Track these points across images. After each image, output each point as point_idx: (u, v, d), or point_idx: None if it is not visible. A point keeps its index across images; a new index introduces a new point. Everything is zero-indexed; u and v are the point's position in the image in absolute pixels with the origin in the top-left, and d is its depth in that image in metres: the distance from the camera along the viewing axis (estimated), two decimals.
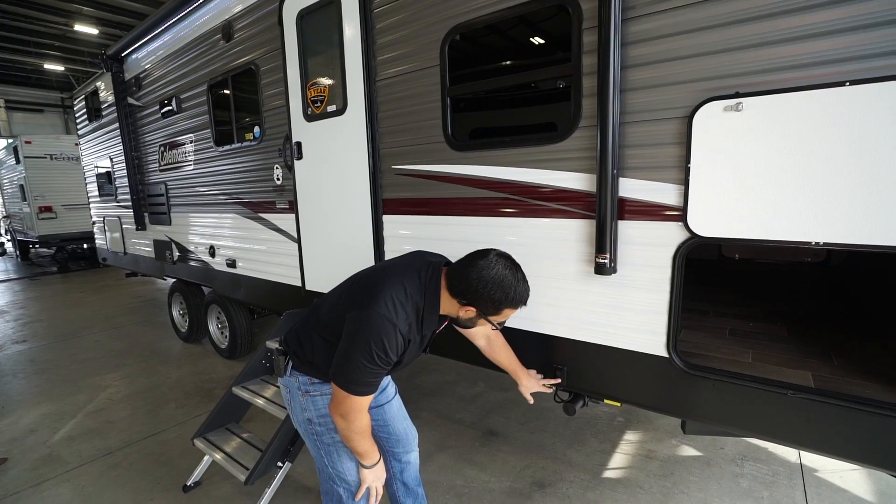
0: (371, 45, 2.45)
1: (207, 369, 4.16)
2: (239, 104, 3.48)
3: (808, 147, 1.36)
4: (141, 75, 4.55)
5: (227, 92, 3.53)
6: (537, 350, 2.07)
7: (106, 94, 5.29)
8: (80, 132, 6.35)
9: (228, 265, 3.80)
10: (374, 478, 1.56)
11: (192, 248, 4.29)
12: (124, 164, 4.99)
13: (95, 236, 6.52)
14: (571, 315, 1.94)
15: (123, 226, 5.57)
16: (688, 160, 1.56)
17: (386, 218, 2.56)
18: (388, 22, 2.37)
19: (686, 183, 1.57)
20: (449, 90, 2.18)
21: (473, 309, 1.44)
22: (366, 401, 1.41)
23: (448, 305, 1.49)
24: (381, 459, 1.57)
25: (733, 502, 2.23)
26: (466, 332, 1.83)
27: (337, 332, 1.43)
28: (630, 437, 2.83)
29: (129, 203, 5.09)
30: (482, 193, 2.13)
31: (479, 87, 2.21)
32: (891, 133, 1.23)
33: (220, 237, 3.88)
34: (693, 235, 1.59)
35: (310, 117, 2.82)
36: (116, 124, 5.09)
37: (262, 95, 3.18)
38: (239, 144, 3.48)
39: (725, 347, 1.93)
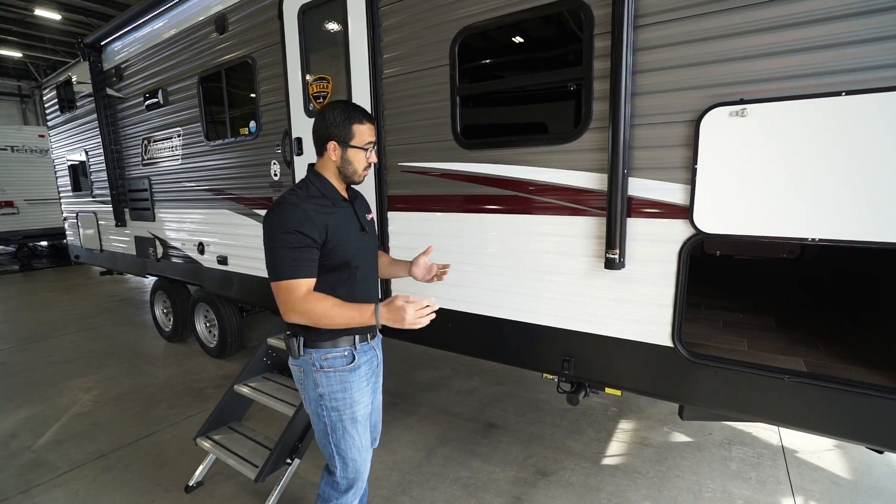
0: (377, 43, 2.47)
1: (196, 369, 4.07)
2: (233, 98, 3.42)
3: (806, 151, 1.47)
4: (122, 65, 4.39)
5: (219, 85, 3.46)
6: (545, 343, 2.15)
7: (81, 84, 5.07)
8: (50, 123, 6.05)
9: (219, 262, 3.73)
10: (396, 319, 1.36)
11: (178, 244, 4.18)
12: (102, 158, 4.81)
13: (67, 233, 6.25)
14: (580, 308, 2.02)
15: (100, 222, 5.37)
16: (695, 161, 1.65)
17: (391, 214, 2.59)
18: (396, 20, 2.39)
19: (693, 183, 1.67)
20: (459, 89, 2.22)
21: (333, 143, 1.50)
22: (303, 283, 1.40)
23: (330, 171, 1.55)
24: (377, 304, 1.40)
25: (724, 483, 2.37)
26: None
27: None
28: (624, 425, 2.96)
29: (108, 198, 4.91)
30: (491, 191, 2.19)
31: (488, 88, 2.27)
32: (882, 140, 1.36)
33: (210, 233, 3.80)
34: (698, 232, 1.69)
35: (311, 113, 2.80)
36: (93, 116, 4.90)
37: (259, 90, 3.14)
38: (233, 139, 3.42)
39: (721, 337, 2.05)
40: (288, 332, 1.61)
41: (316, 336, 1.54)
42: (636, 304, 1.88)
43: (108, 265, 5.59)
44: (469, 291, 2.34)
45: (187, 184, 3.92)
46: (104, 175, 4.86)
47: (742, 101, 1.55)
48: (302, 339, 1.57)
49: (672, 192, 1.73)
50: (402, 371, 3.87)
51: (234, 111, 3.43)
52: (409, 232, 2.53)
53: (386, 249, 2.62)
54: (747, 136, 1.56)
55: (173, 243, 4.24)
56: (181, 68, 3.73)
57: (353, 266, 1.56)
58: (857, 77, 1.38)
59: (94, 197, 5.36)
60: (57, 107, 5.77)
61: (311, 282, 1.44)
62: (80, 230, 5.82)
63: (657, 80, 1.70)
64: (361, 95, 2.54)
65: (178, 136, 3.92)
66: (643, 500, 2.28)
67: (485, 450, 2.75)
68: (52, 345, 4.85)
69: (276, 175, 3.15)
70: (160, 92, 3.95)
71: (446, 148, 2.30)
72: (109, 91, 4.61)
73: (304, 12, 2.74)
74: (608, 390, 2.29)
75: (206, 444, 2.42)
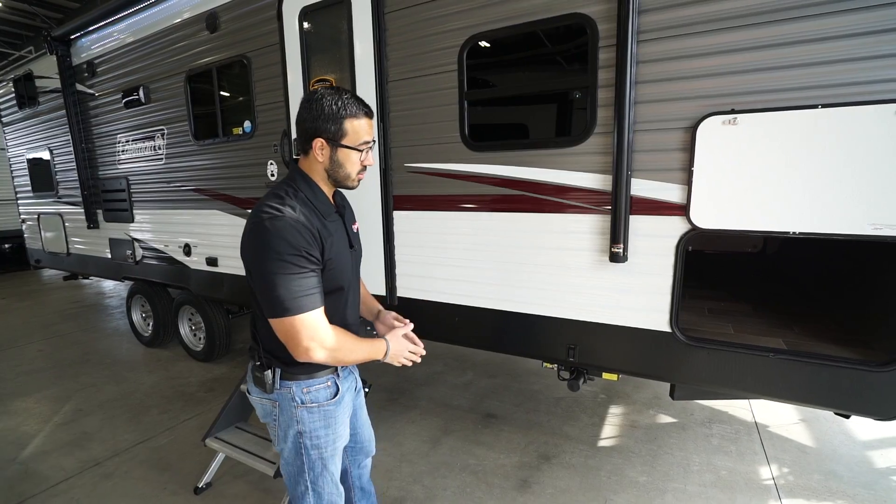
0: (383, 47, 2.53)
1: (182, 373, 3.97)
2: (225, 97, 3.38)
3: (788, 156, 1.68)
4: (96, 61, 4.21)
5: (209, 84, 3.40)
6: (551, 332, 2.29)
7: (45, 79, 4.80)
8: (5, 120, 5.68)
9: (209, 263, 3.66)
10: (398, 354, 1.45)
11: (161, 246, 4.06)
12: (70, 157, 4.60)
13: (26, 236, 5.88)
14: (584, 299, 2.17)
15: (66, 224, 5.10)
16: (691, 164, 1.84)
17: (397, 213, 2.66)
18: (402, 25, 2.46)
19: (689, 183, 1.85)
20: (466, 94, 2.33)
21: (321, 140, 1.29)
22: (318, 316, 1.23)
23: (316, 172, 1.35)
24: (385, 339, 1.43)
25: (709, 457, 2.60)
26: None
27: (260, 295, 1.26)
28: (614, 410, 3.17)
29: (77, 199, 4.69)
30: (498, 191, 2.31)
31: (496, 94, 2.39)
32: (850, 147, 1.58)
33: (198, 234, 3.72)
34: (694, 227, 1.88)
35: None
36: (59, 112, 4.68)
37: (255, 90, 3.12)
38: (224, 139, 3.38)
39: (709, 323, 2.27)
40: (258, 363, 1.38)
41: (297, 367, 1.35)
42: (637, 293, 2.05)
43: (76, 269, 5.31)
44: (476, 286, 2.45)
45: (172, 184, 3.82)
46: (73, 175, 4.64)
47: (733, 111, 1.75)
48: (279, 371, 1.36)
49: (670, 192, 1.91)
50: (395, 368, 3.93)
51: (226, 110, 3.39)
52: (415, 230, 2.61)
53: (392, 249, 2.69)
54: (738, 141, 1.75)
55: (155, 245, 4.12)
56: (166, 66, 3.63)
57: (345, 289, 1.41)
58: (831, 92, 1.59)
59: (59, 198, 5.09)
60: (14, 102, 5.42)
61: (321, 312, 1.26)
62: (42, 233, 5.51)
63: (658, 90, 1.87)
64: (367, 97, 2.59)
65: (162, 136, 3.82)
66: (639, 475, 2.47)
67: (487, 438, 2.87)
68: (18, 354, 4.57)
69: (272, 175, 3.14)
70: (141, 89, 3.83)
71: (454, 150, 2.40)
72: (80, 87, 4.41)
73: (305, 14, 2.76)
74: (605, 376, 2.46)
75: (217, 445, 2.41)
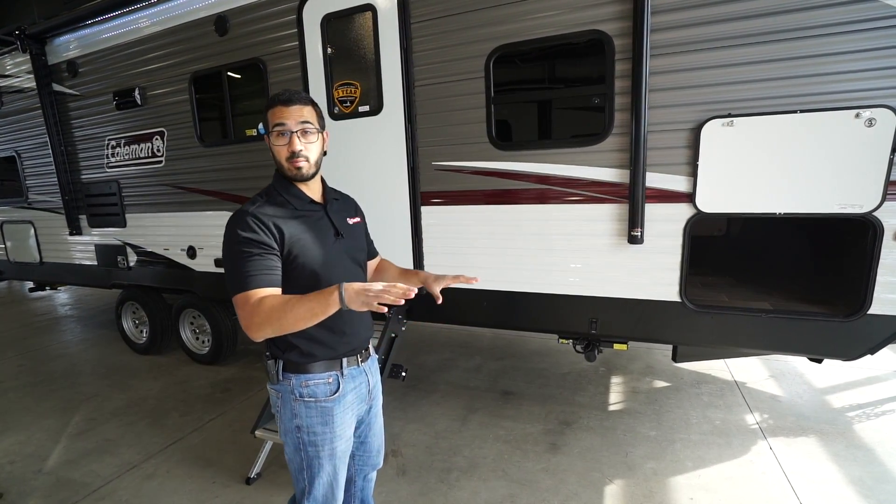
0: (410, 54, 2.72)
1: (191, 377, 3.93)
2: (236, 99, 3.41)
3: (774, 152, 2.07)
4: (78, 61, 4.05)
5: (218, 86, 3.42)
6: (575, 309, 2.60)
7: (11, 78, 4.53)
8: None
9: (217, 265, 3.67)
10: (355, 295, 1.10)
11: (159, 250, 3.99)
12: (46, 160, 4.39)
13: None
14: (606, 277, 2.49)
15: (38, 231, 4.83)
16: (696, 159, 2.20)
17: (425, 209, 2.86)
18: (429, 33, 2.66)
19: (695, 175, 2.21)
20: (493, 99, 2.57)
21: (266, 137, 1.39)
22: (255, 293, 1.21)
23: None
24: (338, 286, 1.13)
25: (703, 411, 3.02)
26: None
27: None
28: (615, 380, 3.54)
29: (55, 205, 4.48)
30: (525, 185, 2.57)
31: (522, 99, 2.65)
32: (822, 144, 1.99)
33: (205, 237, 3.71)
34: (699, 212, 2.25)
35: (337, 116, 2.97)
36: (30, 114, 4.44)
37: (271, 92, 3.18)
38: (236, 140, 3.41)
39: (706, 293, 2.66)
40: (267, 354, 1.43)
41: (298, 358, 1.36)
42: (652, 270, 2.39)
43: (50, 279, 5.04)
44: (504, 272, 2.71)
45: (174, 187, 3.78)
46: (49, 179, 4.43)
47: (730, 115, 2.12)
48: (281, 363, 1.38)
49: (679, 183, 2.26)
50: (406, 357, 4.11)
51: (237, 112, 3.43)
52: (443, 223, 2.82)
53: (419, 241, 2.89)
54: (734, 140, 2.13)
55: (152, 249, 4.04)
56: (166, 68, 3.59)
57: (323, 281, 1.33)
58: (807, 100, 1.99)
59: (29, 203, 4.81)
60: None
61: (268, 291, 1.22)
62: (6, 242, 5.16)
63: (668, 98, 2.21)
64: (394, 101, 2.77)
65: (161, 138, 3.76)
66: (649, 431, 2.84)
67: (510, 412, 3.15)
68: None
69: None
70: (136, 91, 3.75)
71: (482, 149, 2.63)
72: (58, 87, 4.22)
73: (327, 21, 2.89)
74: (616, 346, 2.82)
75: (268, 434, 2.51)
